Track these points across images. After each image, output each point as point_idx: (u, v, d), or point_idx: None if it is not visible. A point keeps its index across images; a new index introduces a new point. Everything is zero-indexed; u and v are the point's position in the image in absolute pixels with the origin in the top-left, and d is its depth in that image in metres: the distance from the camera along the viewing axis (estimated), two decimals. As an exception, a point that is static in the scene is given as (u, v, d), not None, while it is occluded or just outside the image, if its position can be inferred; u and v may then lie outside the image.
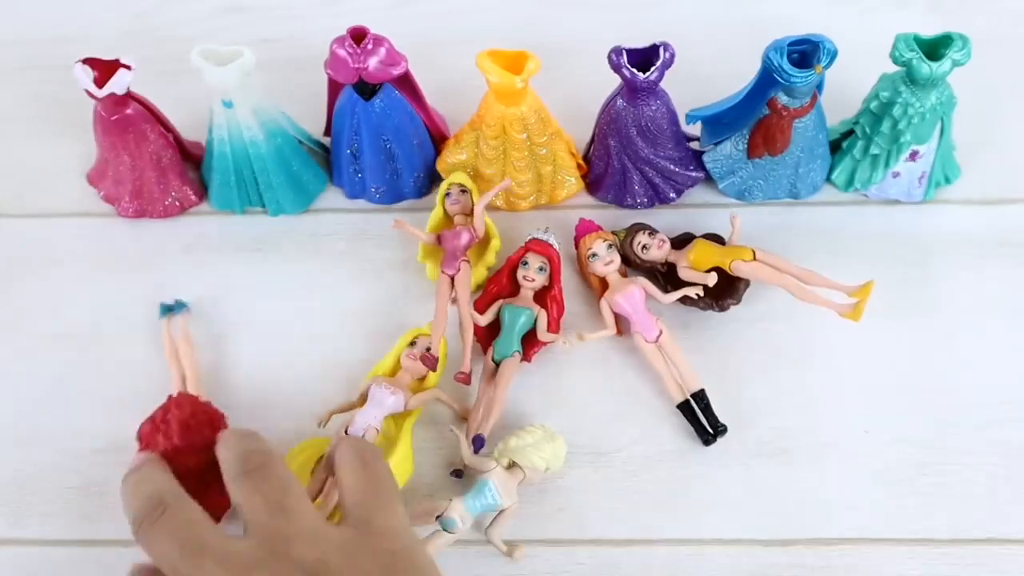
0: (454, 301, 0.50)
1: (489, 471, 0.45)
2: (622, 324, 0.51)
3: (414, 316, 0.52)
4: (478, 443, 0.47)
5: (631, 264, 0.53)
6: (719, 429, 0.48)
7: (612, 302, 0.51)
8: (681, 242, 0.53)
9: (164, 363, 0.51)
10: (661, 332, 0.50)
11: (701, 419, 0.48)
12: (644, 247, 0.52)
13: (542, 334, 0.50)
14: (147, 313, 0.53)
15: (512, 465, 0.46)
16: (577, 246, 0.53)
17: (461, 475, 0.47)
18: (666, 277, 0.53)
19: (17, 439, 0.50)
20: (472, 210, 0.53)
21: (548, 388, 0.50)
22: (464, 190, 0.53)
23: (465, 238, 0.52)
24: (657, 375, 0.49)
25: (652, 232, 0.52)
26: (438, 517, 0.44)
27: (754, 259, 0.50)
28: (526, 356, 0.50)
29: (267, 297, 0.54)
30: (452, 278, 0.51)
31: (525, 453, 0.45)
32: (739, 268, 0.50)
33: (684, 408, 0.48)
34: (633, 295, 0.50)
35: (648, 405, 0.50)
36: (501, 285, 0.52)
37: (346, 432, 0.46)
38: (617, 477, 0.48)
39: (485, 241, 0.53)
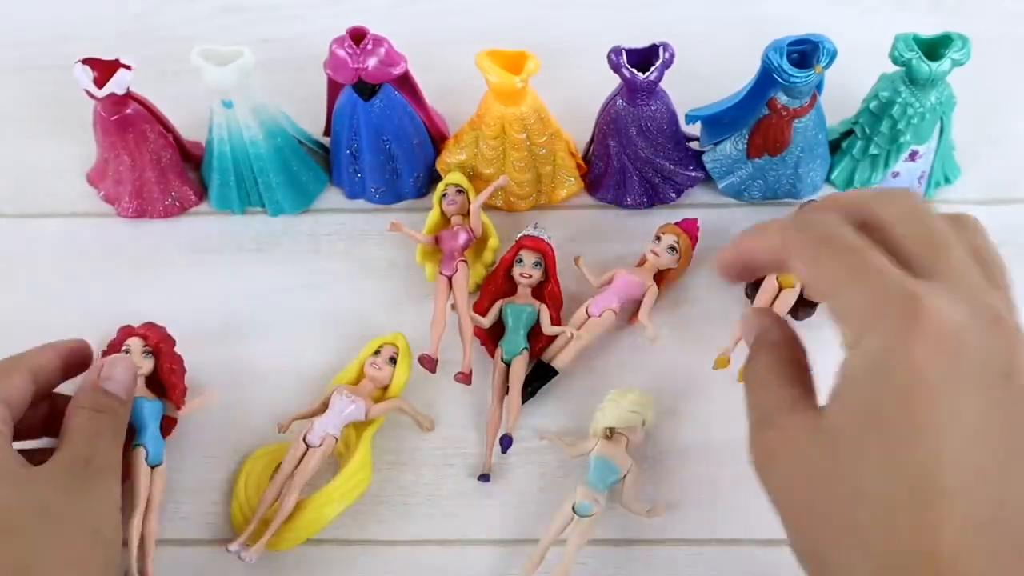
0: (453, 308, 0.50)
1: (592, 448, 0.46)
2: (626, 315, 0.52)
3: (414, 317, 0.52)
4: (506, 443, 0.48)
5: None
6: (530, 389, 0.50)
7: (618, 272, 0.51)
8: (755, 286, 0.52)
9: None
10: (601, 316, 0.50)
11: (531, 382, 0.50)
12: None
13: (547, 328, 0.50)
14: (147, 313, 0.53)
15: (611, 435, 0.46)
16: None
17: (488, 479, 0.48)
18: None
19: (17, 439, 0.50)
20: (469, 210, 0.53)
21: (545, 389, 0.50)
22: (460, 190, 0.53)
23: (463, 238, 0.52)
24: (566, 336, 0.50)
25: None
26: (572, 508, 0.45)
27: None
28: (534, 352, 0.50)
29: (267, 297, 0.54)
30: (450, 279, 0.51)
31: (615, 415, 0.46)
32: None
33: (541, 366, 0.50)
34: (630, 284, 0.51)
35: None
36: (498, 285, 0.52)
37: (304, 439, 0.46)
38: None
39: (483, 241, 0.53)
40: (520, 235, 0.52)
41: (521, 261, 0.51)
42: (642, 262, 0.52)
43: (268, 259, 0.56)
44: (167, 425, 0.48)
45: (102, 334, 0.53)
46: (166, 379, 0.47)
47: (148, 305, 0.54)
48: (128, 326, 0.49)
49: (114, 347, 0.48)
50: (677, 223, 0.53)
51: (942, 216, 0.35)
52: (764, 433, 0.35)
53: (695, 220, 0.53)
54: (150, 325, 0.49)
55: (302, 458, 0.46)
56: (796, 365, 0.37)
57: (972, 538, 0.30)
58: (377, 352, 0.49)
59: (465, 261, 0.51)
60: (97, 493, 0.40)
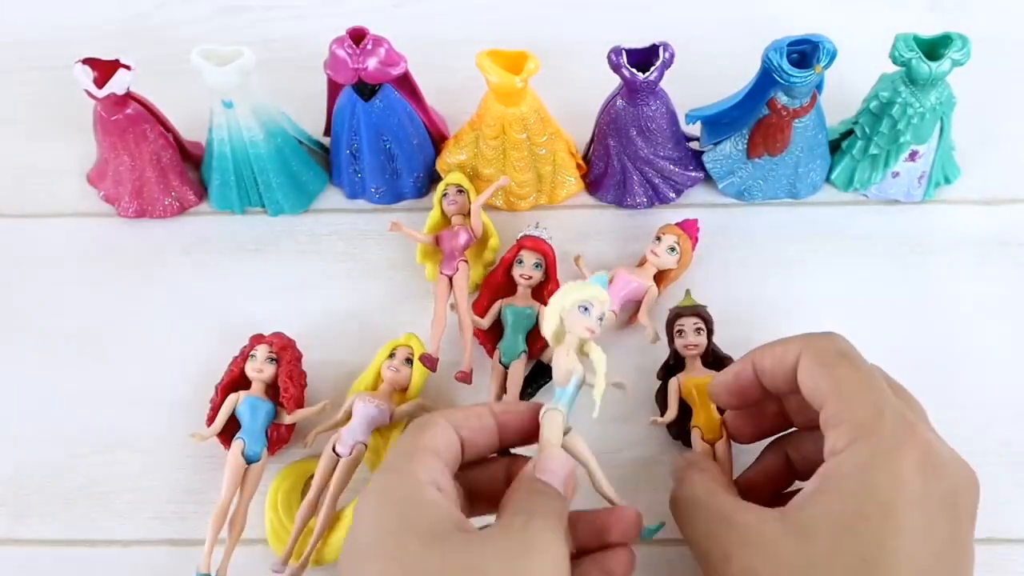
0: (453, 307, 0.50)
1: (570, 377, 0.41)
2: (626, 315, 0.52)
3: (414, 316, 0.52)
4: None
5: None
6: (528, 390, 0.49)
7: (619, 271, 0.52)
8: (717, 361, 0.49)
9: (163, 362, 0.52)
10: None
11: (530, 379, 0.49)
12: (680, 333, 0.48)
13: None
14: (147, 313, 0.54)
15: (563, 343, 0.41)
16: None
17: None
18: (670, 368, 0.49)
19: (17, 439, 0.50)
20: (470, 210, 0.53)
21: (545, 388, 0.50)
22: (461, 190, 0.53)
23: (463, 238, 0.52)
24: None
25: (699, 329, 0.48)
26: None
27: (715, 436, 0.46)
28: (532, 353, 0.50)
29: (267, 297, 0.54)
30: (450, 278, 0.51)
31: (555, 317, 0.41)
32: (692, 438, 0.46)
33: (540, 366, 0.50)
34: (630, 283, 0.51)
35: (648, 406, 0.49)
36: (497, 284, 0.51)
37: (333, 450, 0.46)
38: (616, 477, 0.48)
39: (484, 240, 0.53)
40: (521, 235, 0.52)
41: (521, 262, 0.51)
42: (642, 262, 0.52)
43: (268, 259, 0.56)
44: (282, 434, 0.48)
45: (101, 333, 0.53)
46: (281, 383, 0.48)
47: (148, 305, 0.54)
48: (259, 334, 0.49)
49: (245, 354, 0.49)
50: (677, 223, 0.53)
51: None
52: (723, 533, 0.37)
53: (695, 220, 0.53)
54: (278, 334, 0.49)
55: (333, 469, 0.46)
56: (727, 480, 0.40)
57: None
58: (392, 355, 0.49)
59: (466, 261, 0.51)
60: (537, 561, 0.34)
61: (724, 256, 0.54)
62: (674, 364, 0.48)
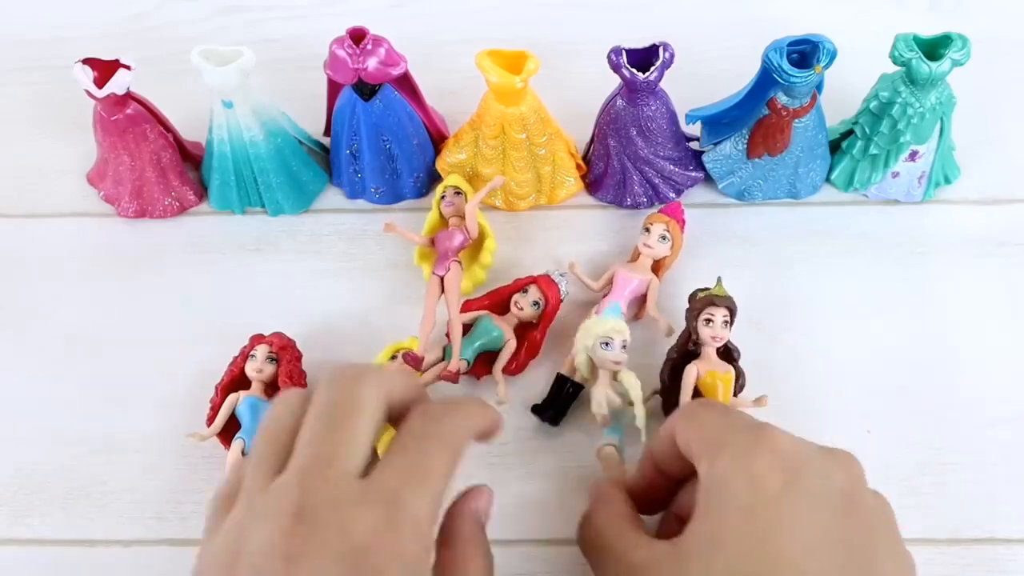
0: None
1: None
2: (632, 311, 0.52)
3: (414, 317, 0.52)
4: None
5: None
6: (549, 414, 0.48)
7: (617, 271, 0.51)
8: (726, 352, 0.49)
9: (163, 362, 0.52)
10: None
11: (560, 399, 0.48)
12: (708, 322, 0.47)
13: (497, 365, 0.49)
14: (147, 313, 0.53)
15: (598, 380, 0.47)
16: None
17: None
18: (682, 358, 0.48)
19: (17, 439, 0.50)
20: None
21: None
22: (459, 192, 0.53)
23: (458, 239, 0.51)
24: (574, 343, 0.49)
25: (727, 322, 0.47)
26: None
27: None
28: (475, 371, 0.50)
29: (267, 297, 0.54)
30: (441, 279, 0.50)
31: (582, 356, 0.47)
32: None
33: (560, 378, 0.49)
34: (631, 280, 0.51)
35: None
36: (497, 299, 0.51)
37: None
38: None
39: (480, 242, 0.53)
40: (545, 272, 0.51)
41: (526, 292, 0.50)
42: (635, 256, 0.52)
43: (268, 259, 0.56)
44: None
45: (101, 333, 0.53)
46: (281, 383, 0.48)
47: (148, 305, 0.54)
48: (259, 334, 0.49)
49: (245, 354, 0.49)
50: (661, 210, 0.53)
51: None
52: (620, 572, 0.37)
53: (678, 203, 0.53)
54: (278, 334, 0.49)
55: None
56: (632, 514, 0.40)
57: None
58: (393, 358, 0.49)
59: (458, 261, 0.51)
60: None
61: (724, 256, 0.54)
62: (692, 350, 0.48)
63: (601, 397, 0.46)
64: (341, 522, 0.31)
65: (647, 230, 0.52)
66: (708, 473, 0.35)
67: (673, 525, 0.40)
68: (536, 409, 0.48)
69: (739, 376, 0.47)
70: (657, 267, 0.52)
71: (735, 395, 0.47)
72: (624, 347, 0.46)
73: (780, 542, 0.33)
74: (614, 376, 0.47)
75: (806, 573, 0.33)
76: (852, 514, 0.35)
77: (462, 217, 0.53)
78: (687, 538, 0.35)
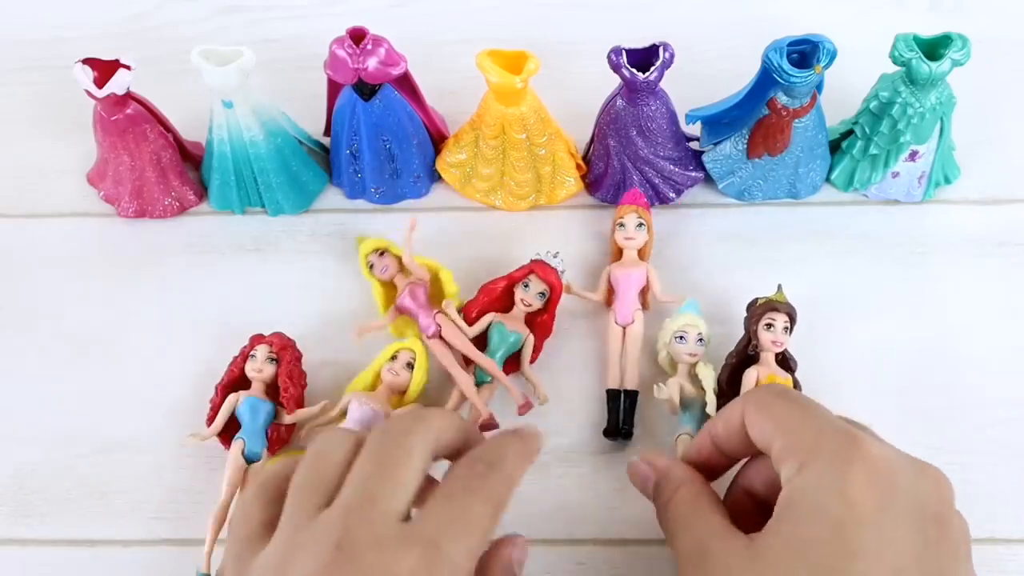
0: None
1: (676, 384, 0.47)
2: (613, 297, 0.52)
3: (414, 316, 0.52)
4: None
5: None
6: (624, 430, 0.48)
7: (612, 273, 0.51)
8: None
9: (163, 362, 0.52)
10: (634, 321, 0.50)
11: (619, 413, 0.48)
12: (769, 326, 0.47)
13: (525, 364, 0.50)
14: (147, 313, 0.53)
15: (676, 373, 0.48)
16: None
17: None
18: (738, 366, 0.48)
19: (17, 439, 0.50)
20: (402, 266, 0.51)
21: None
22: (382, 252, 0.52)
23: (419, 293, 0.50)
24: (605, 357, 0.50)
25: (787, 328, 0.47)
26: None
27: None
28: (505, 369, 0.50)
29: (267, 297, 0.54)
30: (440, 337, 0.49)
31: (663, 352, 0.49)
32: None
33: (612, 394, 0.49)
34: (630, 276, 0.51)
35: (651, 405, 0.50)
36: (495, 297, 0.50)
37: None
38: (614, 477, 0.48)
39: (436, 280, 0.52)
40: (536, 257, 0.50)
41: (527, 286, 0.50)
42: (618, 253, 0.52)
43: (268, 259, 0.56)
44: (282, 434, 0.48)
45: (101, 333, 0.53)
46: (281, 383, 0.48)
47: (148, 305, 0.54)
48: (259, 334, 0.49)
49: (245, 354, 0.49)
50: (624, 202, 0.52)
51: None
52: (702, 564, 0.36)
53: (635, 189, 0.53)
54: (278, 334, 0.49)
55: None
56: (713, 496, 0.39)
57: None
58: (394, 357, 0.49)
59: (441, 311, 0.50)
60: None
61: (724, 256, 0.54)
62: (751, 355, 0.48)
63: (675, 388, 0.47)
64: (382, 559, 0.32)
65: (622, 225, 0.52)
66: (795, 479, 0.35)
67: (742, 500, 0.40)
68: (608, 433, 0.48)
69: (795, 386, 0.47)
70: (641, 255, 0.52)
71: None
72: (700, 341, 0.48)
73: (868, 562, 0.32)
74: (691, 370, 0.48)
75: None
76: (941, 540, 0.34)
77: (403, 271, 0.51)
78: (767, 539, 0.34)
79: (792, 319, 0.47)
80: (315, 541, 0.33)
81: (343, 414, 0.47)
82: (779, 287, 0.48)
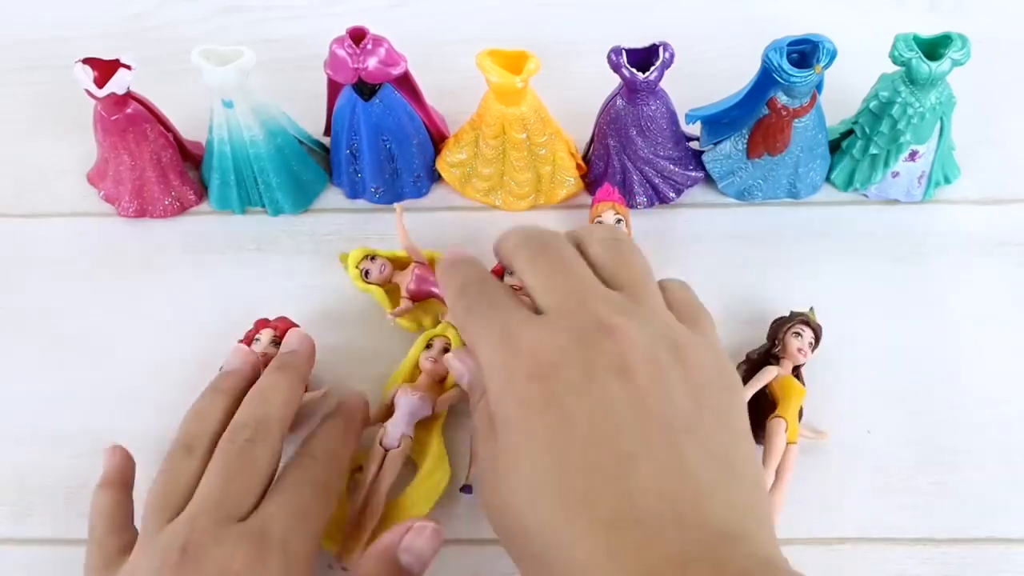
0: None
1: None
2: None
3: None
4: (467, 491, 0.46)
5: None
6: None
7: None
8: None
9: (163, 362, 0.52)
10: None
11: None
12: (798, 335, 0.48)
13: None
14: (147, 312, 0.53)
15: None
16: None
17: (470, 490, 0.46)
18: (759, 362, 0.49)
19: (17, 439, 0.50)
20: (400, 263, 0.52)
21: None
22: (372, 257, 0.51)
23: (428, 274, 0.50)
24: None
25: (812, 345, 0.49)
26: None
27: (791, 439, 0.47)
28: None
29: (267, 297, 0.54)
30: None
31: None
32: (773, 426, 0.47)
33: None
34: None
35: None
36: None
37: (381, 444, 0.46)
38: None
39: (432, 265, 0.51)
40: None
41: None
42: None
43: (268, 259, 0.56)
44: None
45: (101, 333, 0.53)
46: None
47: (148, 305, 0.54)
48: (264, 319, 0.50)
49: (249, 338, 0.49)
50: (598, 200, 0.52)
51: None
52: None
53: (607, 184, 0.53)
54: (283, 319, 0.50)
55: (382, 464, 0.46)
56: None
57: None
58: (429, 345, 0.49)
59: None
60: None
61: (723, 256, 0.54)
62: (774, 358, 0.49)
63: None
64: (221, 556, 0.36)
65: (600, 222, 0.52)
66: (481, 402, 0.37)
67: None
68: None
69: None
70: None
71: (799, 419, 0.47)
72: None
73: (507, 437, 0.35)
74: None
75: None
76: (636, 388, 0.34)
77: (396, 266, 0.52)
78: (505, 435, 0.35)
79: (817, 339, 0.48)
80: (163, 548, 0.37)
81: (389, 411, 0.47)
82: (811, 308, 0.50)
